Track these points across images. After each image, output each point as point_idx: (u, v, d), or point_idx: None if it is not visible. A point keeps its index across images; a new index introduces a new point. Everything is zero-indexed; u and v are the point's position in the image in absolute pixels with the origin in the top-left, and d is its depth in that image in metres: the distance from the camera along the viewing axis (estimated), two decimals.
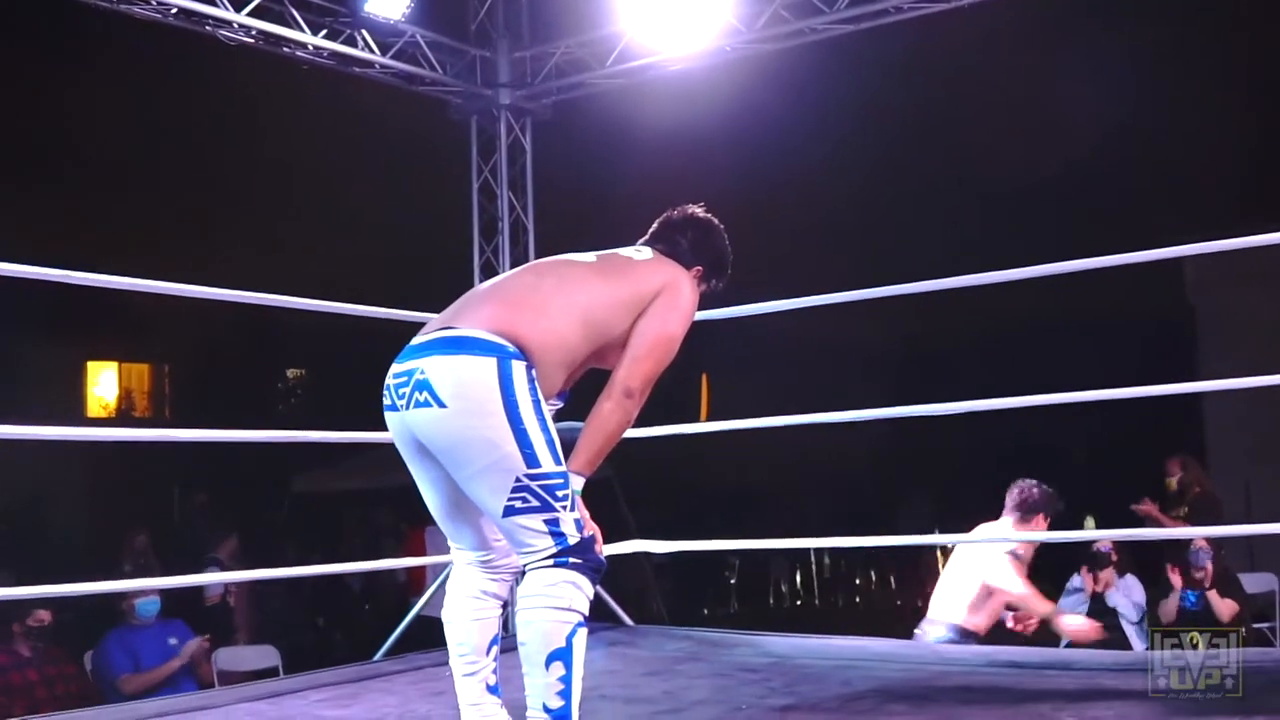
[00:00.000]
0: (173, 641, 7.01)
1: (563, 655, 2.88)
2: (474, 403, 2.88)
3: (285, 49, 6.96)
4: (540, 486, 2.89)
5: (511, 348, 2.92)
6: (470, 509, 3.08)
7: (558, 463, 2.92)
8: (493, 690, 3.17)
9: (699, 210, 3.46)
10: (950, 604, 5.56)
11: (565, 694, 2.88)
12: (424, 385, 2.91)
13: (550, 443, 2.92)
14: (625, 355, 3.10)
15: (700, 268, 3.37)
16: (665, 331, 3.14)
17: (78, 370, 21.83)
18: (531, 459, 2.88)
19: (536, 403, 2.92)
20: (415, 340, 3.03)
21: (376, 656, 5.28)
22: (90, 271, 4.37)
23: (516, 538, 2.94)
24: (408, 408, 2.94)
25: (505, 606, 3.22)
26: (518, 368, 2.91)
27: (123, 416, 21.85)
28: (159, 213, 19.39)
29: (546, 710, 2.89)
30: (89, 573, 4.81)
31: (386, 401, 3.02)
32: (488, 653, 3.15)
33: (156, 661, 6.86)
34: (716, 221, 3.45)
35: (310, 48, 7.00)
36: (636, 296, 3.14)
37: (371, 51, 7.24)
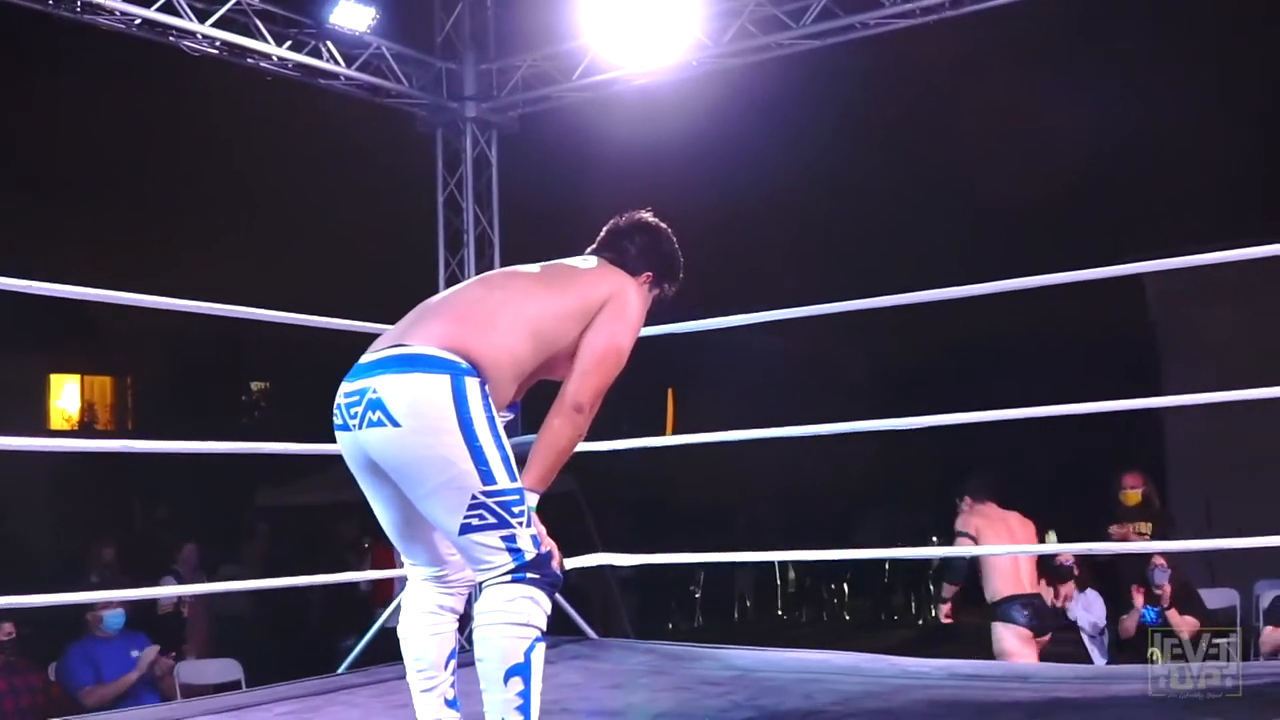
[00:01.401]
0: (134, 654, 7.00)
1: (521, 671, 2.86)
2: (428, 421, 2.85)
3: (249, 60, 6.93)
4: (496, 503, 2.87)
5: (464, 364, 2.91)
6: (423, 526, 3.07)
7: (513, 479, 2.91)
8: (451, 704, 3.17)
9: (646, 216, 3.46)
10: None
11: (524, 709, 2.87)
12: (377, 404, 2.88)
13: (505, 459, 2.90)
14: (574, 369, 3.09)
15: (649, 273, 3.37)
16: (613, 344, 3.13)
17: (40, 383, 21.69)
18: (487, 476, 2.87)
19: (491, 419, 2.91)
20: (365, 358, 3.00)
21: (340, 669, 5.27)
22: (53, 282, 4.35)
23: (473, 555, 2.92)
24: (360, 427, 2.92)
25: (462, 620, 3.22)
26: (471, 384, 2.89)
27: (85, 429, 21.71)
28: (122, 224, 19.30)
29: None
30: (51, 585, 4.78)
31: (337, 421, 3.00)
32: (445, 667, 3.15)
33: (118, 674, 6.83)
34: (664, 226, 3.45)
35: (275, 59, 6.97)
36: (583, 307, 3.13)
37: (336, 63, 7.22)
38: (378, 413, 2.87)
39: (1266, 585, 8.36)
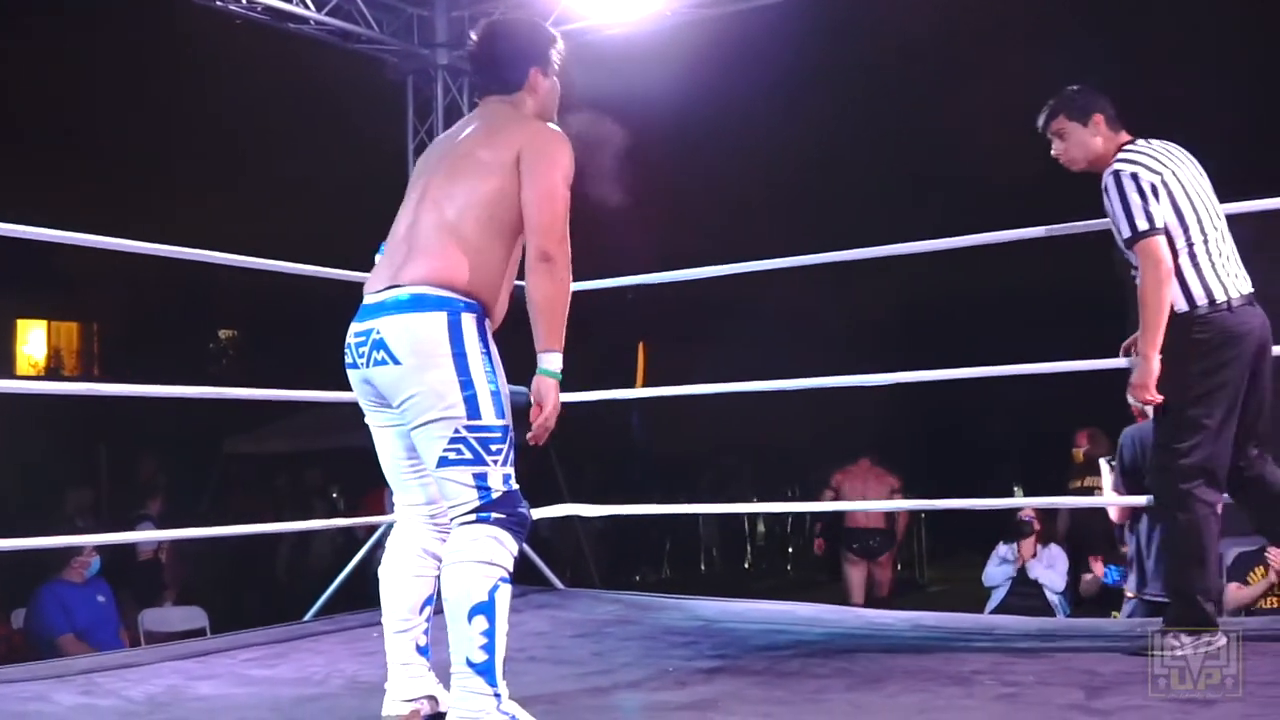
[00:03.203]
0: (100, 599, 7.03)
1: (485, 609, 2.89)
2: (426, 358, 2.97)
3: (219, 3, 6.84)
4: (476, 439, 2.95)
5: (460, 299, 3.01)
6: (422, 463, 3.12)
7: (500, 416, 2.98)
8: (422, 651, 3.19)
9: (491, 21, 3.44)
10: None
11: (488, 648, 2.89)
12: (381, 344, 3.02)
13: (495, 394, 2.98)
14: (526, 230, 3.10)
15: (535, 69, 3.29)
16: (547, 189, 3.08)
17: (7, 328, 21.52)
18: (473, 411, 2.95)
19: (487, 354, 3.00)
20: (369, 299, 3.09)
21: (307, 617, 5.26)
22: (18, 224, 4.29)
23: (446, 491, 2.99)
24: (368, 366, 3.06)
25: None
26: (467, 320, 3.00)
27: (51, 375, 21.56)
28: (88, 168, 19.08)
29: (469, 664, 2.89)
30: (16, 532, 4.73)
31: (348, 359, 3.13)
32: (420, 611, 3.19)
33: (89, 618, 6.87)
34: (512, 17, 3.45)
35: (244, 2, 6.88)
36: (507, 175, 3.08)
37: (307, 8, 7.13)
38: (381, 352, 3.02)
39: (1231, 542, 8.41)
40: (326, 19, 7.25)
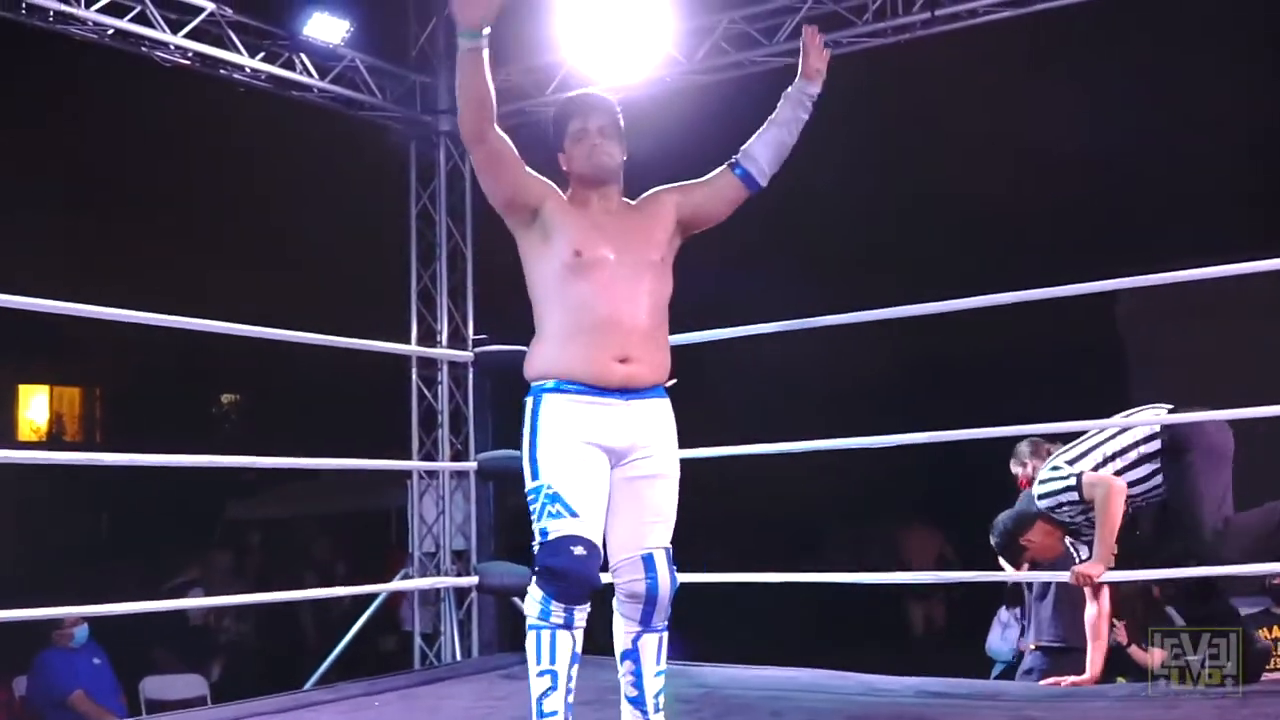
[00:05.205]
0: (96, 661, 7.06)
1: (526, 653, 3.28)
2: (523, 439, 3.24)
3: (222, 72, 6.91)
4: (530, 501, 3.19)
5: (535, 383, 3.26)
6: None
7: (534, 477, 3.18)
8: (631, 701, 3.47)
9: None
10: None
11: (529, 688, 3.26)
12: None
13: (535, 460, 3.17)
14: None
15: (559, 155, 3.65)
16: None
17: (9, 393, 21.54)
18: (529, 479, 3.19)
19: (537, 425, 3.20)
20: None
21: (307, 685, 5.23)
22: (22, 294, 4.31)
23: None
24: None
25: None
26: (530, 402, 3.24)
27: (53, 441, 21.55)
28: (91, 234, 19.19)
29: None
30: (20, 600, 4.71)
31: None
32: (622, 661, 3.44)
33: (91, 679, 6.93)
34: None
35: (248, 70, 6.96)
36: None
37: (310, 75, 7.22)
38: None
39: (1241, 602, 8.36)
40: (330, 86, 7.33)
